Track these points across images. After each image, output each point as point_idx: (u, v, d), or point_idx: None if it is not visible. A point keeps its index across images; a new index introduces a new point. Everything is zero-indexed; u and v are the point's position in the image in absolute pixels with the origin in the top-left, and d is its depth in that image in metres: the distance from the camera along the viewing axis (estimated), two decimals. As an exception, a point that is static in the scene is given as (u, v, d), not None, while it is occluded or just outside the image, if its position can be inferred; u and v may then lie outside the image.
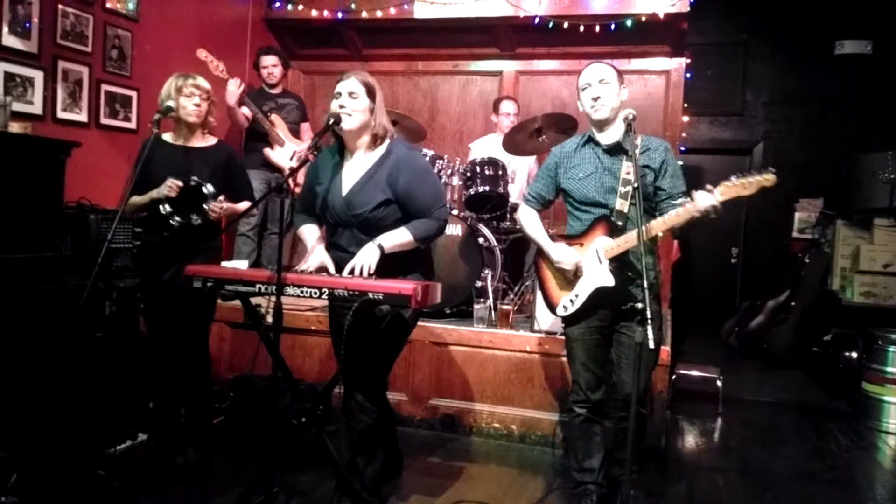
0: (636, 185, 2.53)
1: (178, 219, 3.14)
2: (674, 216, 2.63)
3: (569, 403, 3.04)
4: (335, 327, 2.90)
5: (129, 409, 3.57)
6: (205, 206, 3.13)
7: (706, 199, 2.53)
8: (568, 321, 2.92)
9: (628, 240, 2.69)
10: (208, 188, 3.14)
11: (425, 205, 2.72)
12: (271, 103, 5.21)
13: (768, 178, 2.43)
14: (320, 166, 2.86)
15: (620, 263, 2.75)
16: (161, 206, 3.15)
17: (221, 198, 3.17)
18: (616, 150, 2.82)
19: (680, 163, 2.96)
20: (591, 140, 2.90)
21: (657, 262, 2.93)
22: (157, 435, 3.47)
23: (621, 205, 2.75)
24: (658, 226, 2.68)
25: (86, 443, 3.17)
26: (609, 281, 2.73)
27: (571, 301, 2.85)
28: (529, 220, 3.06)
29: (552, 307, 2.97)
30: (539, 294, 3.96)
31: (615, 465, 3.07)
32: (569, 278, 2.87)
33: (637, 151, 2.70)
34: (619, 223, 2.74)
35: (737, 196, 2.49)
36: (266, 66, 5.27)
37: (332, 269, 2.74)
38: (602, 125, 2.83)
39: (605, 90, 2.78)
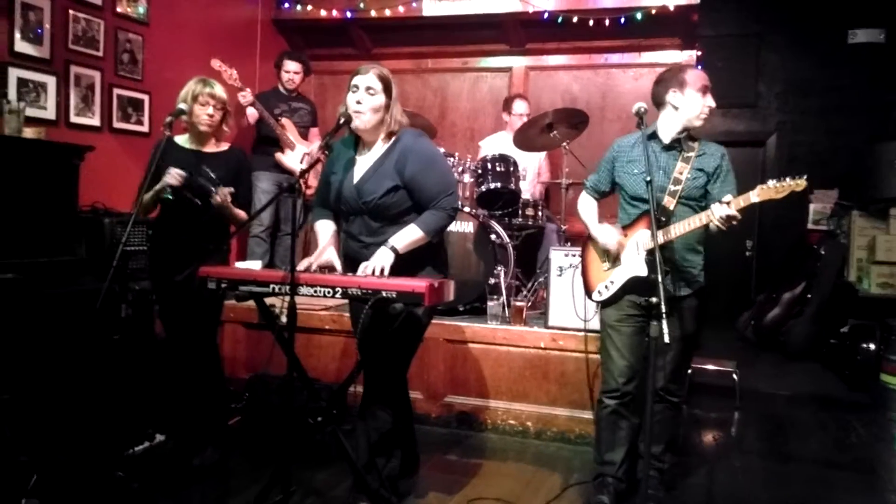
0: (648, 178, 2.59)
1: (170, 196, 3.16)
2: (691, 222, 2.72)
3: (598, 394, 3.09)
4: (356, 325, 2.91)
5: (147, 411, 3.59)
6: (213, 189, 3.15)
7: (719, 211, 2.60)
8: (604, 305, 3.02)
9: (667, 233, 2.76)
10: (212, 176, 3.18)
11: (433, 192, 2.72)
12: (284, 106, 5.22)
13: (800, 184, 2.51)
14: (336, 158, 2.88)
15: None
16: (165, 195, 3.16)
17: (231, 189, 3.18)
18: (672, 148, 2.91)
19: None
20: (654, 136, 2.95)
21: (703, 260, 3.02)
22: (174, 436, 3.48)
23: (668, 202, 2.82)
24: (676, 229, 2.76)
25: (104, 445, 3.19)
26: (643, 271, 2.81)
27: (606, 287, 2.96)
28: (584, 205, 3.16)
29: (589, 292, 3.08)
30: (552, 290, 3.98)
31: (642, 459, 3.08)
32: (609, 266, 2.96)
33: (693, 154, 2.85)
34: (663, 219, 2.80)
35: (769, 198, 2.58)
36: (289, 71, 5.28)
37: (338, 267, 2.76)
38: (688, 130, 2.91)
39: (713, 104, 2.88)
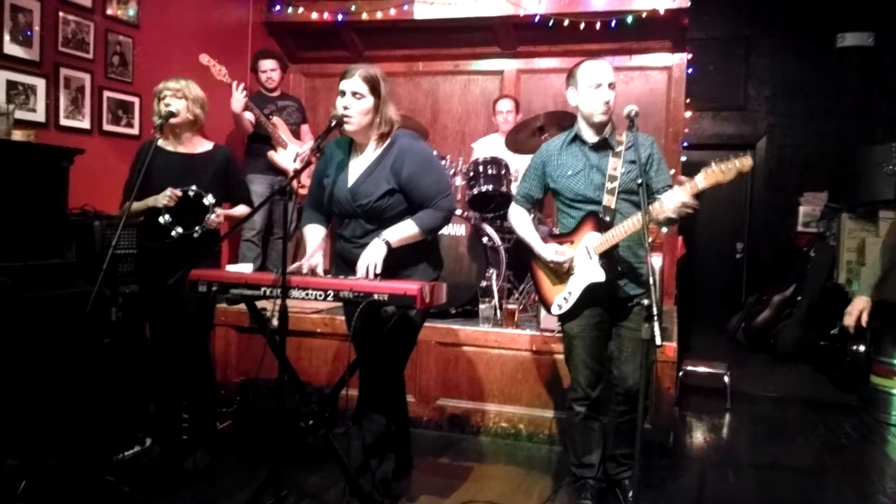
0: (640, 181, 2.51)
1: (179, 230, 3.15)
2: (638, 217, 2.61)
3: (567, 401, 3.08)
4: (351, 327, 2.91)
5: (137, 415, 3.57)
6: (207, 217, 3.15)
7: (673, 199, 2.54)
8: (564, 318, 2.94)
9: (616, 234, 2.71)
10: (209, 199, 3.15)
11: (430, 194, 2.71)
12: (271, 106, 5.20)
13: (745, 163, 2.44)
14: (330, 159, 2.85)
15: (611, 258, 2.77)
16: (161, 217, 3.14)
17: (219, 210, 3.18)
18: (602, 147, 2.86)
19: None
20: (577, 138, 2.91)
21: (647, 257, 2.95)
22: (161, 440, 3.47)
23: (608, 200, 2.79)
24: (625, 226, 2.69)
25: (94, 449, 3.18)
26: (600, 276, 2.75)
27: (565, 299, 2.88)
28: (520, 221, 3.09)
29: (547, 306, 3.00)
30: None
31: (613, 462, 3.09)
32: (561, 276, 2.90)
33: (622, 148, 2.78)
34: (608, 218, 2.77)
35: (717, 182, 2.49)
36: (265, 70, 5.24)
37: (321, 271, 2.77)
38: (602, 126, 2.85)
39: (612, 95, 2.80)
